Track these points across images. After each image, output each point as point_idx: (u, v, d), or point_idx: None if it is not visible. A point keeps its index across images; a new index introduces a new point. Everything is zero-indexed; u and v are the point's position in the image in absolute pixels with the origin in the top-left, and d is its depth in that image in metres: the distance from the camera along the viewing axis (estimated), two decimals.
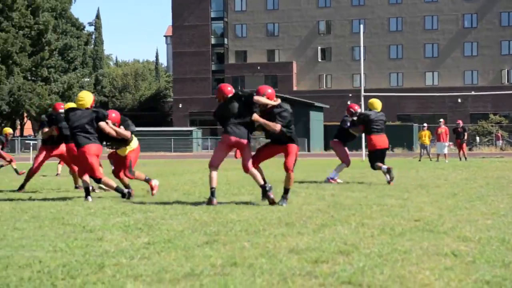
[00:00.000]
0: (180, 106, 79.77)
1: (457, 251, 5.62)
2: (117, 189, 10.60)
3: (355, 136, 15.36)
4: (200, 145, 59.53)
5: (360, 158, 28.69)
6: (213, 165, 9.69)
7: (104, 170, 12.09)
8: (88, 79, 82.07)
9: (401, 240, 6.23)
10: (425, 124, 32.81)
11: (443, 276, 4.68)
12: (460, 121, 32.49)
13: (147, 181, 11.38)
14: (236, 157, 10.25)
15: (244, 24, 79.49)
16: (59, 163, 18.70)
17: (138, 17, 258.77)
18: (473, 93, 50.86)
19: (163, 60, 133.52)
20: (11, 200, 10.72)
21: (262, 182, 9.65)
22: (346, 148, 15.37)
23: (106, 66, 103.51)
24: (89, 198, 10.52)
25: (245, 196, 10.98)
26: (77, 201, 10.34)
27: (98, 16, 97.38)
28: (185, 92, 79.53)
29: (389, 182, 13.89)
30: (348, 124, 15.10)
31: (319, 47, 77.36)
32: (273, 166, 16.66)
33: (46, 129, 12.77)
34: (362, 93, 31.33)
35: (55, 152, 13.53)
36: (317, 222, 7.54)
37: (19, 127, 70.84)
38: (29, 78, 66.64)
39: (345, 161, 15.19)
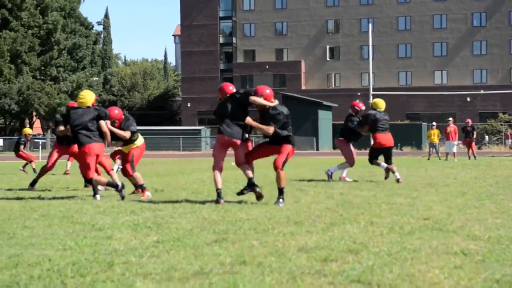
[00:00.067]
0: (189, 105, 79.88)
1: (466, 250, 5.61)
2: (109, 184, 10.55)
3: (361, 135, 15.34)
4: (208, 144, 59.54)
5: (367, 157, 28.53)
6: (216, 167, 9.71)
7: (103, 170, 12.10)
8: (97, 78, 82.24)
9: (410, 238, 6.22)
10: (434, 123, 32.74)
11: (452, 275, 4.67)
12: (469, 120, 32.33)
13: (142, 188, 11.15)
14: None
15: (253, 23, 79.49)
16: (68, 159, 18.91)
17: (146, 16, 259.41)
18: (482, 92, 50.76)
19: (172, 59, 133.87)
20: (21, 198, 10.75)
21: (251, 176, 9.69)
22: (352, 148, 15.33)
23: (115, 65, 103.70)
24: (98, 196, 10.55)
25: (254, 195, 10.96)
26: (86, 200, 10.37)
27: (106, 16, 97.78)
28: (193, 91, 79.61)
29: (397, 181, 14.09)
30: (355, 123, 15.09)
31: (327, 46, 77.27)
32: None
33: (61, 128, 12.89)
34: (371, 92, 31.35)
35: (69, 151, 13.75)
36: (326, 220, 7.53)
37: (28, 126, 71.06)
38: (38, 77, 66.93)
39: (349, 161, 15.16)
